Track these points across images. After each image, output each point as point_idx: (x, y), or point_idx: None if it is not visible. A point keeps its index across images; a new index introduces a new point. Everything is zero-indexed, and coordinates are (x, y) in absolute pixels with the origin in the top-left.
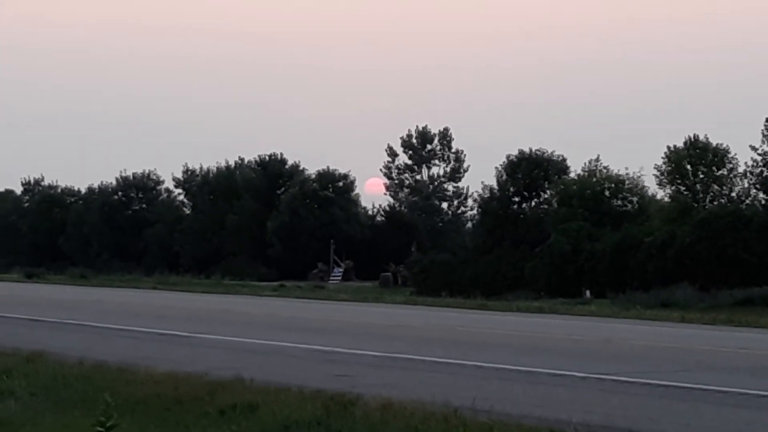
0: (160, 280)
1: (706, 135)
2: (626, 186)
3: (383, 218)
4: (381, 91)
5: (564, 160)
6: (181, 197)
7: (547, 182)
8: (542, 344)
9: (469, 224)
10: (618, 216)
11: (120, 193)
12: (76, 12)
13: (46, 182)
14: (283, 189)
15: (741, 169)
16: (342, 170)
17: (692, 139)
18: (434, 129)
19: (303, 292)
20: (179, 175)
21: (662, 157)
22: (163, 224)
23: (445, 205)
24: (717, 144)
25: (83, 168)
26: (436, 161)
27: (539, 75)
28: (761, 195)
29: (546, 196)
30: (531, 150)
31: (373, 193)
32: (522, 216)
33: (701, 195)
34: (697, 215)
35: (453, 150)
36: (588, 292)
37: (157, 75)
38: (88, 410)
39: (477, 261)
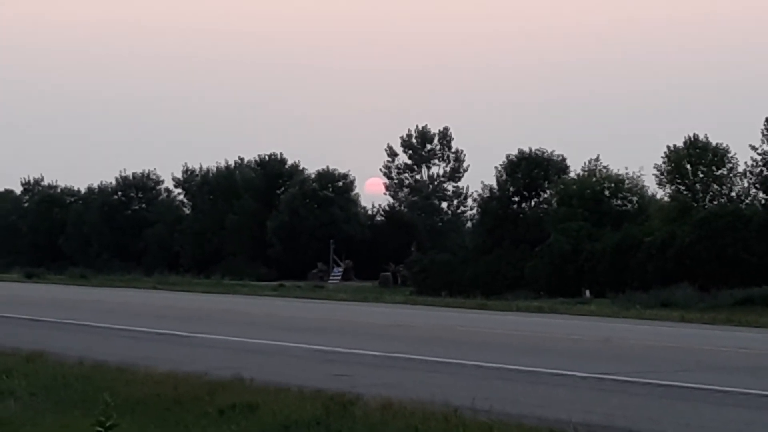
0: (160, 280)
1: (705, 134)
2: (626, 186)
3: (383, 218)
4: (381, 91)
5: (564, 159)
6: (181, 197)
7: (546, 182)
8: (542, 344)
9: (469, 224)
10: (618, 216)
11: (120, 193)
12: (76, 12)
13: (45, 182)
14: (282, 189)
15: (741, 169)
16: (342, 170)
17: (692, 139)
18: (434, 129)
19: (303, 292)
20: (179, 175)
21: (662, 157)
22: (162, 224)
23: (444, 204)
24: (717, 144)
25: (83, 168)
26: (436, 161)
27: (539, 75)
28: (761, 194)
29: (546, 195)
30: (531, 150)
31: (372, 192)
32: (522, 216)
33: (701, 195)
34: (697, 215)
35: (453, 150)
36: (588, 292)
37: (157, 75)
38: (88, 410)
39: (477, 261)
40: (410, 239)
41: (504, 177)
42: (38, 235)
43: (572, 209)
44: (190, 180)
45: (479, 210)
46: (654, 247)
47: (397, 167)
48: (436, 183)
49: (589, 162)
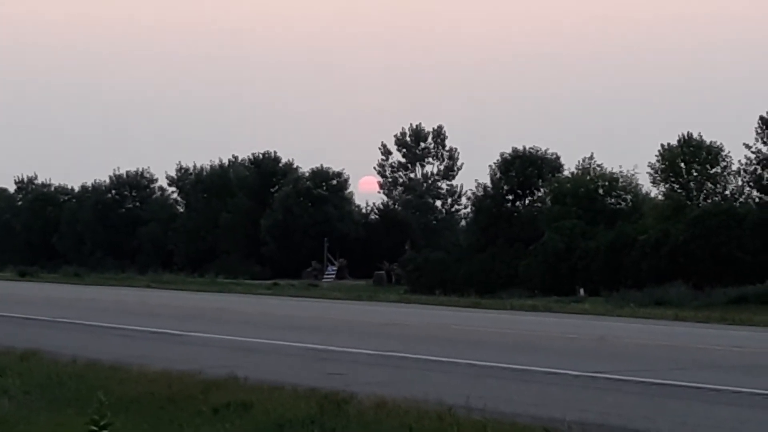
0: (154, 278)
1: (699, 133)
2: (620, 184)
3: (377, 216)
4: (375, 90)
5: (558, 158)
6: (175, 195)
7: (540, 180)
8: (536, 342)
9: (463, 222)
10: (612, 214)
11: (113, 191)
12: (70, 11)
13: (39, 181)
14: (276, 187)
15: (735, 167)
16: (336, 168)
17: (686, 137)
18: (428, 127)
19: (297, 291)
20: (173, 174)
21: (656, 155)
22: (156, 222)
23: (438, 203)
24: (711, 142)
25: (77, 166)
26: (430, 159)
27: (533, 73)
28: (755, 193)
29: (540, 194)
30: (525, 148)
31: (366, 191)
32: (516, 214)
33: (695, 193)
34: (691, 213)
35: (447, 148)
36: (582, 291)
37: (150, 73)
38: (82, 409)
39: (471, 259)
40: (404, 238)
41: (498, 175)
42: (32, 233)
43: (566, 207)
44: (183, 178)
45: (473, 208)
46: (648, 246)
47: (391, 165)
48: (430, 181)
49: (583, 160)
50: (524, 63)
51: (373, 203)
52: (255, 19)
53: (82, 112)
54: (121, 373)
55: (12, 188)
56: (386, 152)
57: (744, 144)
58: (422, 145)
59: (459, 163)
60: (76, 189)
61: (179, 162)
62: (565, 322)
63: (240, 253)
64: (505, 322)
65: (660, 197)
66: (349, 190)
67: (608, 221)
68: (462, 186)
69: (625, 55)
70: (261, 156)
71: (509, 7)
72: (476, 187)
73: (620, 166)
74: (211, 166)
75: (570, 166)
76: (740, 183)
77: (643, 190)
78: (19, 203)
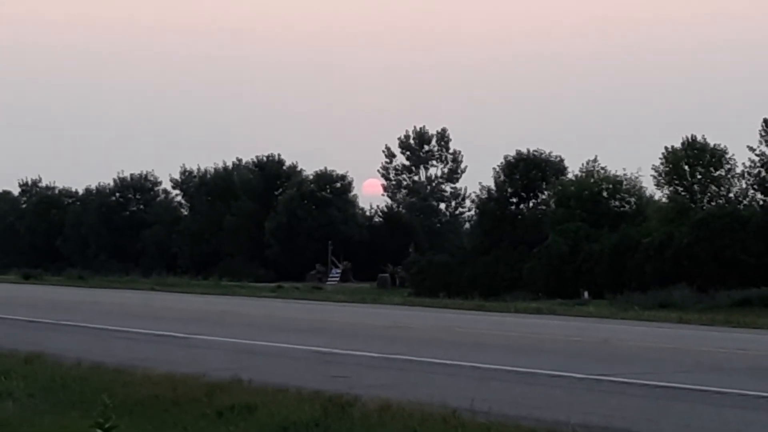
0: (158, 281)
1: (703, 135)
2: (624, 187)
3: (381, 219)
4: (378, 92)
5: (562, 160)
6: (179, 198)
7: (544, 183)
8: (540, 345)
9: (467, 225)
10: (616, 217)
11: (117, 194)
12: (71, 11)
13: (43, 183)
14: (280, 190)
15: (739, 170)
16: (339, 171)
17: (690, 140)
18: (432, 130)
19: (301, 293)
20: (177, 176)
21: (660, 158)
22: (160, 225)
23: (442, 205)
24: (715, 145)
25: (81, 169)
26: (434, 162)
27: (537, 76)
28: (759, 196)
29: (544, 196)
30: (529, 151)
31: (370, 194)
32: (520, 217)
33: (699, 196)
34: (695, 216)
35: (451, 151)
36: (586, 293)
37: (155, 75)
38: (86, 411)
39: (475, 262)
40: (408, 240)
41: (502, 178)
42: (36, 236)
43: (570, 210)
44: (187, 181)
45: (477, 211)
46: (652, 248)
47: (395, 168)
48: (434, 184)
49: (587, 163)
50: (528, 65)
51: (377, 206)
52: (259, 20)
53: (86, 114)
54: (125, 376)
55: (16, 191)
56: (390, 155)
57: (748, 147)
58: (426, 147)
59: (463, 165)
60: (80, 192)
61: (183, 165)
62: (569, 324)
63: (244, 256)
64: (509, 325)
65: (664, 200)
66: (353, 193)
67: (612, 224)
68: (466, 189)
69: (629, 57)
70: (265, 159)
71: (512, 8)
72: (480, 190)
73: (624, 169)
74: (215, 168)
75: (574, 168)
76: (744, 186)
77: (647, 193)
78: (23, 206)
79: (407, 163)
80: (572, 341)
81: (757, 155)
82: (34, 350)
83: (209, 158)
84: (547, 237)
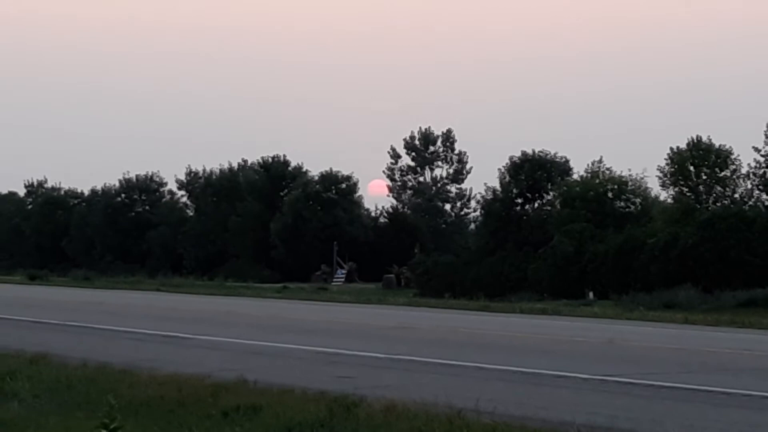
0: (164, 282)
1: (709, 136)
2: (629, 187)
3: (386, 220)
4: (384, 93)
5: (567, 161)
6: (184, 199)
7: (550, 184)
8: (545, 346)
9: (472, 226)
10: (621, 217)
11: (123, 195)
12: (78, 12)
13: (49, 184)
14: (286, 191)
15: (744, 171)
16: (345, 172)
17: (695, 141)
18: (437, 130)
19: (306, 294)
20: (182, 177)
21: (665, 159)
22: (166, 226)
23: (448, 206)
24: (720, 145)
25: (86, 170)
26: (439, 163)
27: (542, 76)
28: (764, 196)
29: (549, 197)
30: (534, 151)
31: (376, 194)
32: (525, 217)
33: (704, 196)
34: (700, 216)
35: (456, 151)
36: (591, 294)
37: (160, 76)
38: (92, 412)
39: (480, 262)
40: (413, 241)
41: (507, 179)
42: (42, 237)
43: (575, 211)
44: (193, 182)
45: (482, 212)
46: (657, 249)
47: (401, 169)
48: (439, 185)
49: (592, 163)
50: (533, 66)
51: (383, 207)
52: (265, 21)
53: (92, 115)
54: (131, 376)
55: (22, 192)
56: (395, 156)
57: (753, 147)
58: (431, 148)
59: (468, 166)
60: (86, 193)
61: (189, 166)
62: (574, 325)
63: (249, 257)
64: (515, 326)
65: (669, 200)
66: (358, 194)
67: (617, 225)
68: (471, 189)
69: (635, 57)
70: (270, 160)
71: (518, 8)
72: (485, 191)
73: (629, 170)
74: (220, 169)
75: (579, 169)
76: (749, 186)
77: (653, 194)
78: (29, 207)
79: (412, 163)
80: (577, 342)
81: (762, 156)
82: (39, 351)
83: (215, 159)
84: (553, 237)
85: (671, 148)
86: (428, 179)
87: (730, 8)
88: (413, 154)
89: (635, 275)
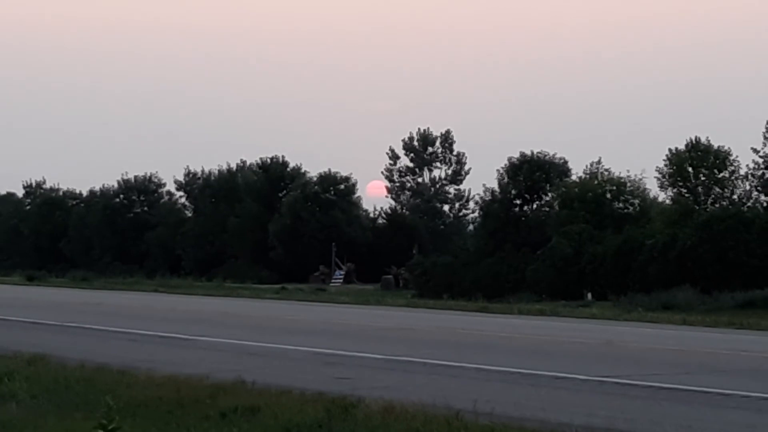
0: (162, 282)
1: (707, 137)
2: (628, 188)
3: (385, 221)
4: (383, 94)
5: (565, 162)
6: (183, 200)
7: (548, 185)
8: (544, 347)
9: (471, 227)
10: (619, 218)
11: (121, 195)
12: (77, 12)
13: (47, 185)
14: (284, 191)
15: (743, 172)
16: (343, 173)
17: (694, 142)
18: (436, 131)
19: (304, 295)
20: (181, 178)
21: (664, 160)
22: (164, 227)
23: (446, 207)
24: (719, 146)
25: (85, 171)
26: (438, 164)
27: (541, 77)
28: (763, 197)
29: (547, 198)
30: (532, 152)
31: (374, 195)
32: (523, 218)
33: (703, 197)
34: (699, 218)
35: (455, 152)
36: (589, 295)
37: (159, 77)
38: (90, 413)
39: (478, 263)
40: (412, 242)
41: (506, 180)
42: (40, 238)
43: (574, 212)
44: (191, 183)
45: (481, 213)
46: (656, 250)
47: (399, 170)
48: (437, 186)
49: (591, 165)
50: (532, 67)
51: (381, 208)
52: (264, 21)
53: (91, 116)
54: (128, 377)
55: (20, 193)
56: (394, 157)
57: (752, 148)
58: (430, 149)
59: (467, 167)
60: (85, 193)
61: (187, 166)
62: (572, 326)
63: (248, 258)
64: (513, 327)
65: (668, 202)
66: (356, 195)
67: (616, 226)
68: (470, 190)
69: (633, 58)
70: (269, 160)
71: (516, 9)
72: (484, 192)
73: (628, 171)
74: (219, 170)
75: (578, 170)
76: (748, 187)
77: (651, 195)
78: (28, 208)
79: (411, 164)
80: (576, 343)
81: (761, 157)
82: (37, 352)
83: (213, 160)
84: (551, 239)
85: (670, 149)
86: (427, 180)
87: (729, 8)
88: (412, 155)
89: (634, 276)
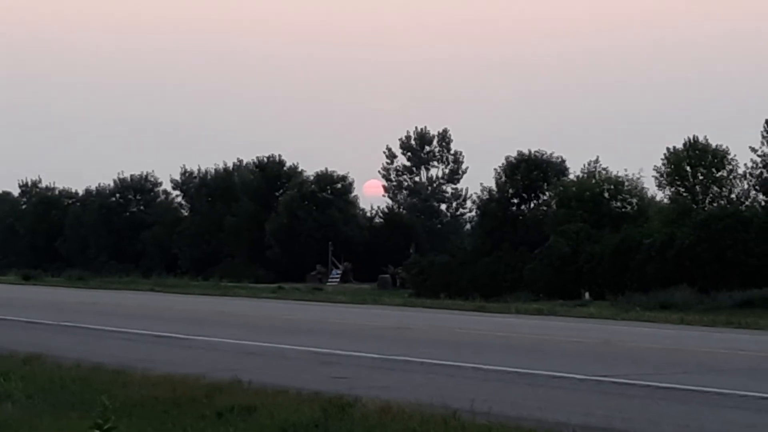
0: (158, 282)
1: (705, 136)
2: (625, 187)
3: (382, 220)
4: (380, 93)
5: (563, 161)
6: (179, 199)
7: (546, 184)
8: (541, 346)
9: (468, 226)
10: (617, 217)
11: (118, 194)
12: (73, 10)
13: (43, 184)
14: (281, 191)
15: (740, 171)
16: (340, 172)
17: (692, 141)
18: (433, 130)
19: (301, 294)
20: (177, 177)
21: (662, 159)
22: (160, 226)
23: (443, 206)
24: (716, 145)
25: (81, 170)
26: (435, 163)
27: (538, 76)
28: (761, 196)
29: (545, 197)
30: (530, 151)
31: (371, 194)
32: (521, 217)
33: (701, 196)
34: (697, 217)
35: (452, 151)
36: (587, 294)
37: (155, 76)
38: (86, 412)
39: (476, 263)
40: (409, 241)
41: (503, 179)
42: (36, 237)
43: (571, 211)
44: (188, 182)
45: (478, 212)
46: (653, 249)
47: (396, 169)
48: (435, 185)
49: (589, 164)
50: (530, 66)
51: (378, 207)
52: (260, 20)
53: (87, 115)
54: (124, 376)
55: (16, 192)
56: (391, 156)
57: (750, 147)
58: (427, 148)
59: (464, 166)
60: (81, 193)
61: (183, 165)
62: (570, 325)
63: (244, 257)
64: (510, 326)
65: (665, 201)
66: (353, 194)
67: (614, 225)
68: (467, 189)
69: (631, 57)
70: (266, 159)
71: (514, 8)
72: (481, 191)
73: (626, 170)
74: (215, 169)
75: (575, 169)
76: (746, 186)
77: (649, 194)
78: (23, 207)
79: (408, 163)
80: (573, 342)
81: (759, 156)
82: (33, 351)
83: (210, 159)
84: (549, 238)
85: (668, 148)
86: (424, 179)
87: (728, 8)
88: (409, 154)
89: (631, 275)
